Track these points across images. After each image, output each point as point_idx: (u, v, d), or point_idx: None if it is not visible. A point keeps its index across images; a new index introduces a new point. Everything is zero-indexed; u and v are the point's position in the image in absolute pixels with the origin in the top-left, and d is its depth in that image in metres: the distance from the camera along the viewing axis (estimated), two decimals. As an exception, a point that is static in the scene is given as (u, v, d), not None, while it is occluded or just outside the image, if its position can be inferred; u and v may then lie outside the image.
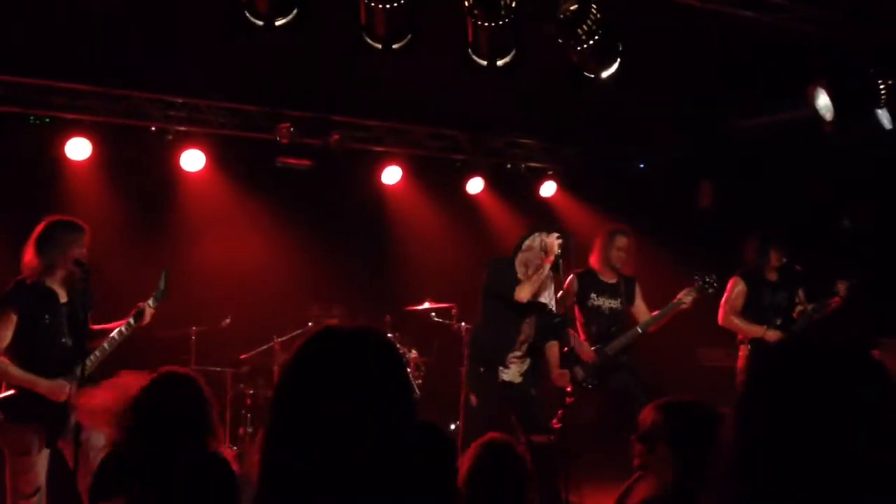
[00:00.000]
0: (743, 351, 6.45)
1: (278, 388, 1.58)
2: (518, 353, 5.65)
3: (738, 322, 6.42)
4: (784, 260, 6.37)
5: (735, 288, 6.45)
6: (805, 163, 7.17)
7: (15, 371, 4.59)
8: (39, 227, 4.82)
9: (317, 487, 1.44)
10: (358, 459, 1.44)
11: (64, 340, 4.76)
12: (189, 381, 3.09)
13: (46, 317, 4.70)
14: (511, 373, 5.63)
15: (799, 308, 6.34)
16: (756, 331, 6.31)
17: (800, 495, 1.28)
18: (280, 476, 1.48)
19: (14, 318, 4.62)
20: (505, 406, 5.63)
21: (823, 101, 6.08)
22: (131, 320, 4.99)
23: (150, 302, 5.08)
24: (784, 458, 1.31)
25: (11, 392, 4.64)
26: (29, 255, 4.77)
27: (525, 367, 5.66)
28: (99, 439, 4.56)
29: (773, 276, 6.41)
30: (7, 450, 4.64)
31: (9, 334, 4.60)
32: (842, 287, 6.20)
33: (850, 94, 6.07)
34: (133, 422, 2.91)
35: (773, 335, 6.22)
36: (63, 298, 4.81)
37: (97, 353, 4.84)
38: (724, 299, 6.46)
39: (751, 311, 6.42)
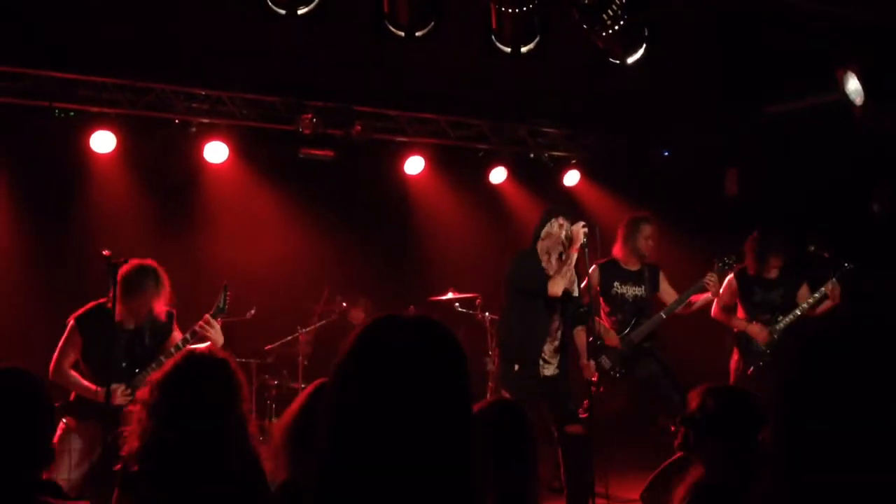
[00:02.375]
0: (734, 358, 6.52)
1: (337, 377, 1.53)
2: (555, 344, 5.60)
3: (725, 316, 6.50)
4: (784, 262, 6.33)
5: (727, 285, 6.49)
6: (834, 148, 7.07)
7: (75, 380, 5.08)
8: (125, 269, 5.08)
9: (380, 476, 1.42)
10: (421, 448, 1.42)
11: (124, 364, 5.07)
12: (217, 363, 3.00)
13: (105, 340, 4.99)
14: (550, 367, 5.58)
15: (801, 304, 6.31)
16: (740, 325, 6.40)
17: (849, 477, 1.27)
18: (342, 465, 1.45)
19: (79, 339, 5.06)
20: (541, 400, 5.57)
21: (853, 85, 5.98)
22: (188, 336, 5.11)
23: (211, 317, 5.18)
24: (830, 441, 1.30)
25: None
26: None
27: (560, 357, 5.62)
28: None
29: (770, 275, 6.37)
30: (81, 447, 4.89)
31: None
32: (831, 287, 6.14)
33: (881, 78, 5.97)
34: (155, 402, 2.84)
35: (754, 329, 6.28)
36: (129, 325, 5.12)
37: (154, 365, 5.04)
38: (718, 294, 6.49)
39: (743, 307, 6.48)
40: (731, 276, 6.45)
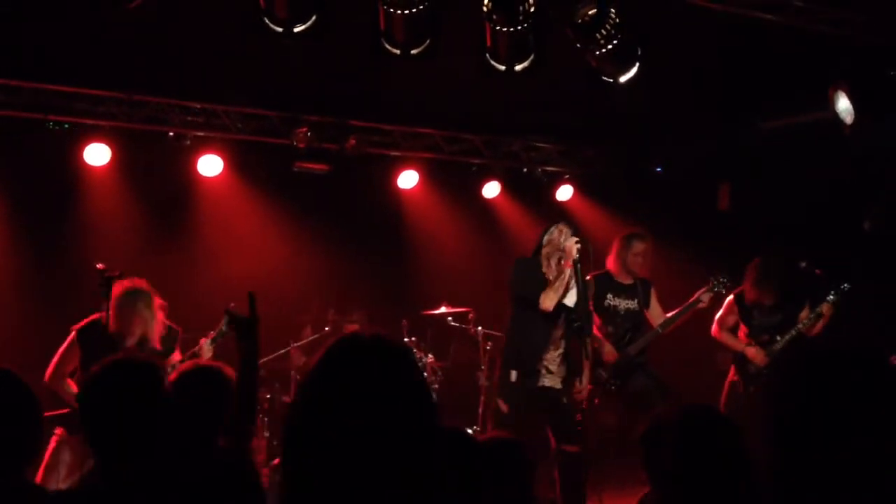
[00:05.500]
0: (730, 374, 6.55)
1: (298, 397, 1.58)
2: (558, 352, 5.55)
3: (725, 337, 6.54)
4: (784, 287, 6.36)
5: (727, 306, 6.54)
6: (825, 165, 7.13)
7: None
8: (118, 291, 5.05)
9: (339, 495, 1.44)
10: (379, 468, 1.44)
11: None
12: (212, 374, 3.04)
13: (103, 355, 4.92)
14: (552, 378, 5.54)
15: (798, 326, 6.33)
16: (738, 346, 6.44)
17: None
18: (302, 484, 1.48)
19: (78, 351, 5.02)
20: (539, 413, 5.53)
21: (843, 103, 6.03)
22: (185, 358, 5.11)
23: (209, 342, 5.17)
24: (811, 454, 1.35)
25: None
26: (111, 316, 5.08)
27: (564, 368, 5.57)
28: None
29: (770, 300, 6.41)
30: (71, 460, 4.85)
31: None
32: (825, 308, 6.17)
33: (871, 97, 6.03)
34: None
35: (751, 351, 6.30)
36: (129, 342, 5.08)
37: None
38: (717, 315, 6.55)
39: (744, 329, 6.53)
40: (731, 297, 6.50)
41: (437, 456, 1.52)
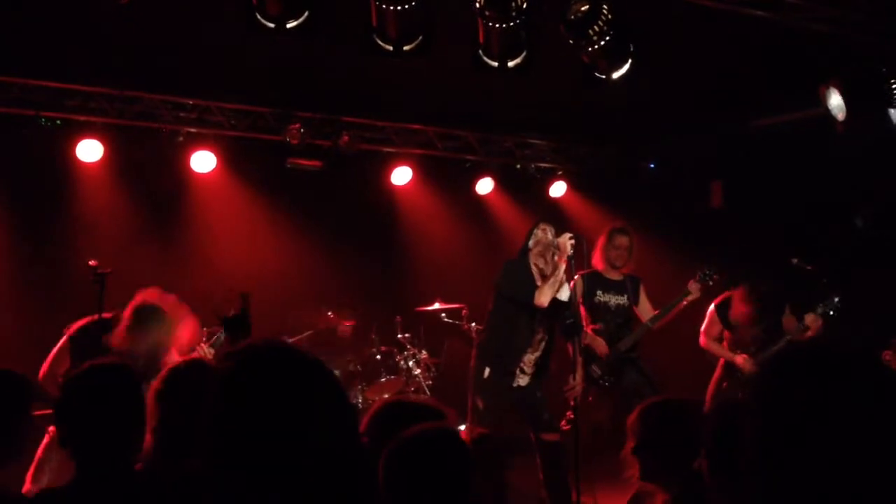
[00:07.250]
0: (717, 372, 6.56)
1: (205, 406, 1.59)
2: (536, 354, 5.63)
3: (713, 347, 6.58)
4: (762, 312, 6.38)
5: (710, 318, 6.58)
6: (817, 162, 7.15)
7: None
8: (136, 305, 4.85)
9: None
10: (290, 476, 1.46)
11: None
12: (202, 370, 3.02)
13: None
14: (526, 378, 5.63)
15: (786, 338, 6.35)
16: (728, 354, 6.47)
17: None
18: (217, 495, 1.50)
19: (69, 354, 4.88)
20: (516, 409, 5.63)
21: (836, 100, 6.05)
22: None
23: (207, 349, 5.14)
24: (795, 462, 1.33)
25: None
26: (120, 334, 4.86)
27: (536, 369, 5.66)
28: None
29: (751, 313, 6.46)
30: (57, 461, 4.81)
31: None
32: (810, 319, 6.19)
33: (863, 94, 6.04)
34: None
35: (740, 359, 6.33)
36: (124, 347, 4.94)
37: (144, 386, 4.93)
38: (702, 327, 6.60)
39: (729, 339, 6.55)
40: (712, 308, 6.53)
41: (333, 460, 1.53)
